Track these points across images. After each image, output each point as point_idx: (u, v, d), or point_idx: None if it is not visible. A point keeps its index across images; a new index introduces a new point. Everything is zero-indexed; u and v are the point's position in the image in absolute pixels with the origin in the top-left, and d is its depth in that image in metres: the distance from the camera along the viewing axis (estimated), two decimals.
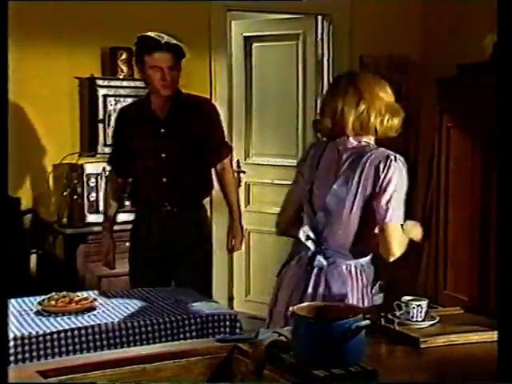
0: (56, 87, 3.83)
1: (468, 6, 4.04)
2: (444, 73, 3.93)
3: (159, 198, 2.98)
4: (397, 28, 4.55)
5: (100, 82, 3.80)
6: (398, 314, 1.99)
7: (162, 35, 2.93)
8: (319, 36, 4.63)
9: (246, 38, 4.83)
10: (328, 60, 4.58)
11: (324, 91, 4.61)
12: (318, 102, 4.66)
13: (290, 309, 1.77)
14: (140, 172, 3.02)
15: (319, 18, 4.59)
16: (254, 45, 4.84)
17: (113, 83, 3.82)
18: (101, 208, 3.51)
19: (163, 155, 2.96)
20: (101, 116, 3.77)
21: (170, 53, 2.90)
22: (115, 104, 3.78)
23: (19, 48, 3.71)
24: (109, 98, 3.79)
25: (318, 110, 2.30)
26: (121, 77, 3.88)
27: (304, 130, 4.72)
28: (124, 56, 3.86)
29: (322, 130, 2.22)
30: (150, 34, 2.95)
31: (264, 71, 4.85)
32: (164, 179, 2.96)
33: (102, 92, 3.78)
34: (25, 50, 3.75)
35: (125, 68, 3.89)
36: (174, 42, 2.95)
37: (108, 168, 3.33)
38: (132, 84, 3.89)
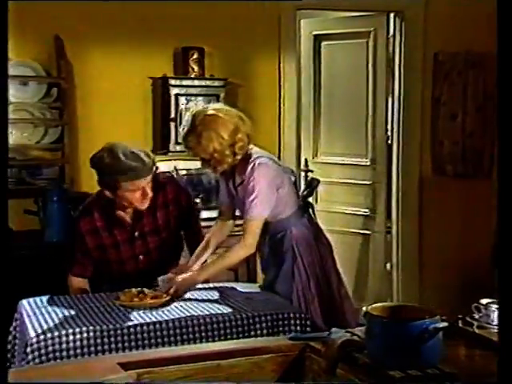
0: (129, 87, 3.92)
1: None
2: None
3: (135, 278, 2.70)
4: (474, 22, 4.35)
5: (172, 82, 3.87)
6: (476, 316, 1.94)
7: (140, 156, 2.56)
8: (391, 33, 4.56)
9: (315, 36, 4.80)
10: (400, 58, 4.50)
11: (395, 90, 4.54)
12: (389, 100, 4.60)
13: (364, 308, 1.75)
14: (115, 273, 2.77)
15: (391, 15, 4.52)
16: (324, 43, 4.81)
17: (184, 82, 3.89)
18: None
19: (141, 257, 2.75)
20: (173, 115, 3.84)
21: (151, 174, 2.61)
22: (186, 103, 3.85)
23: (98, 48, 3.83)
24: (180, 97, 3.86)
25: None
26: (192, 76, 3.94)
27: (374, 129, 4.65)
28: (195, 56, 3.92)
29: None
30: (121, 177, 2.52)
31: (333, 69, 4.81)
32: (141, 265, 2.77)
33: (174, 91, 3.85)
34: (103, 50, 3.86)
35: (196, 67, 3.95)
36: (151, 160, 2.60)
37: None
38: (203, 83, 3.95)
